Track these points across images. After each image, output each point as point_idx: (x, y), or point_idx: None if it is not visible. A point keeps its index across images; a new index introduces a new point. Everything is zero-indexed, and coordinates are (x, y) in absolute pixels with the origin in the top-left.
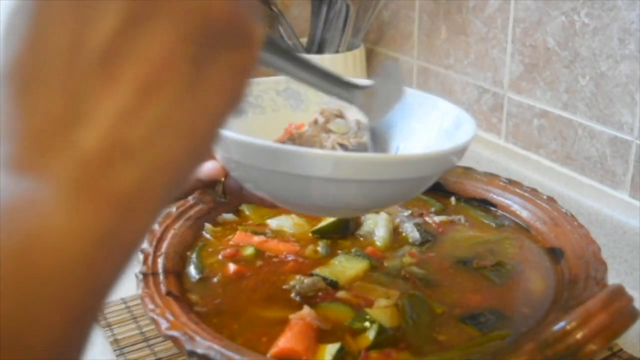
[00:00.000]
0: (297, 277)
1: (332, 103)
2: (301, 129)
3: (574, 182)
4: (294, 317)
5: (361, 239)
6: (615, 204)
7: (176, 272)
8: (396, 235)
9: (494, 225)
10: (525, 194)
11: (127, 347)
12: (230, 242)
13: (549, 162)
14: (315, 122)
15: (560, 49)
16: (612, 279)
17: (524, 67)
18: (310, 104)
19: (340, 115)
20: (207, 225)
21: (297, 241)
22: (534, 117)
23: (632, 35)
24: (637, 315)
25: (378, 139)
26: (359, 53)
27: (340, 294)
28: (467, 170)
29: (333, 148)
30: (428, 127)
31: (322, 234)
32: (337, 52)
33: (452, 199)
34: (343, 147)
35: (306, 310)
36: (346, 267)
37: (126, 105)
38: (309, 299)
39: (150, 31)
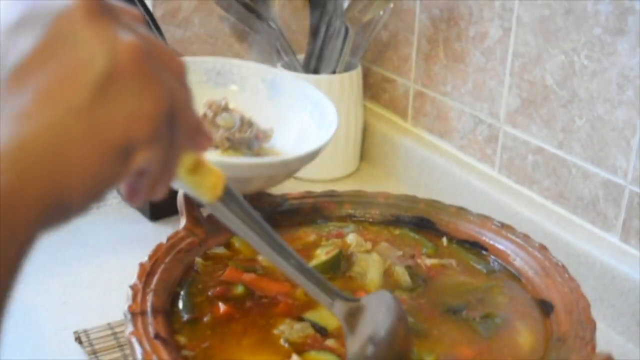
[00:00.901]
0: (287, 321)
1: (211, 87)
2: None
3: (566, 221)
4: None
5: (352, 280)
6: (606, 247)
7: (165, 311)
8: (387, 277)
9: (485, 270)
10: (518, 240)
11: None
12: (221, 279)
13: (542, 199)
14: (205, 115)
15: (558, 87)
16: (599, 322)
17: (521, 101)
18: (192, 83)
19: (226, 109)
20: (197, 260)
21: (287, 280)
22: (528, 152)
23: (630, 82)
24: None
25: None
26: (355, 75)
27: (329, 342)
28: (460, 210)
29: (222, 142)
30: (299, 113)
31: None
32: (334, 72)
33: (444, 240)
34: (230, 141)
35: (295, 359)
36: None
37: (24, 108)
38: (297, 345)
39: (59, 53)
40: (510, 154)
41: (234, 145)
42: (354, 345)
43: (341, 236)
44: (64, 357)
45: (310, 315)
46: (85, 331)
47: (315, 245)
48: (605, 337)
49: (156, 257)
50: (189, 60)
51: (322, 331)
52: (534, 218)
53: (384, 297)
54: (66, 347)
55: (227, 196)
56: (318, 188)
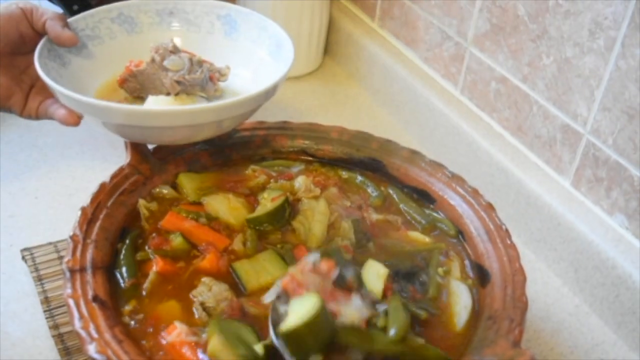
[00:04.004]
0: (207, 281)
1: (165, 29)
2: (140, 66)
3: (521, 157)
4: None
5: (293, 234)
6: (557, 192)
7: (105, 266)
8: (332, 230)
9: (424, 222)
10: (467, 196)
11: (57, 308)
12: (159, 226)
13: (500, 128)
14: (152, 60)
15: (529, 20)
16: (539, 263)
17: (490, 26)
18: (144, 25)
19: (174, 51)
20: (141, 202)
21: (229, 228)
22: (492, 79)
23: (603, 31)
24: None
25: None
26: None
27: (244, 302)
28: (414, 155)
29: (172, 86)
30: (256, 49)
31: (256, 223)
32: None
33: (391, 192)
34: (180, 84)
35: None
36: (266, 270)
37: None
38: (211, 311)
39: None
40: (474, 77)
41: (186, 88)
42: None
43: (290, 178)
44: (12, 278)
45: (237, 266)
46: (31, 253)
47: (263, 187)
48: (544, 278)
49: (99, 200)
50: (137, 2)
51: (241, 291)
52: (491, 151)
53: None
54: (13, 267)
55: None
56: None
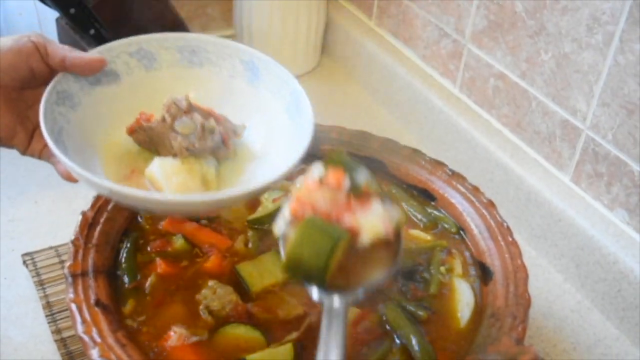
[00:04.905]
0: (211, 284)
1: (185, 67)
2: (151, 121)
3: (520, 153)
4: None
5: None
6: (557, 187)
7: (107, 270)
8: None
9: (426, 220)
10: (467, 193)
11: (59, 312)
12: (160, 227)
13: (500, 125)
14: (163, 119)
15: (527, 16)
16: (540, 259)
17: (487, 23)
18: (163, 62)
19: (187, 111)
20: None
21: (230, 229)
22: (491, 76)
23: (601, 26)
24: None
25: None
26: None
27: (250, 306)
28: (414, 153)
29: (180, 151)
30: (275, 100)
31: (258, 223)
32: None
33: (392, 189)
34: (189, 151)
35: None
36: (270, 272)
37: None
38: (217, 314)
39: None
40: (472, 73)
41: (194, 153)
42: None
43: (290, 178)
44: (13, 283)
45: (241, 267)
46: (32, 258)
47: None
48: (546, 274)
49: (99, 204)
50: (158, 37)
51: (246, 293)
52: (490, 148)
53: None
54: (14, 272)
55: None
56: None
